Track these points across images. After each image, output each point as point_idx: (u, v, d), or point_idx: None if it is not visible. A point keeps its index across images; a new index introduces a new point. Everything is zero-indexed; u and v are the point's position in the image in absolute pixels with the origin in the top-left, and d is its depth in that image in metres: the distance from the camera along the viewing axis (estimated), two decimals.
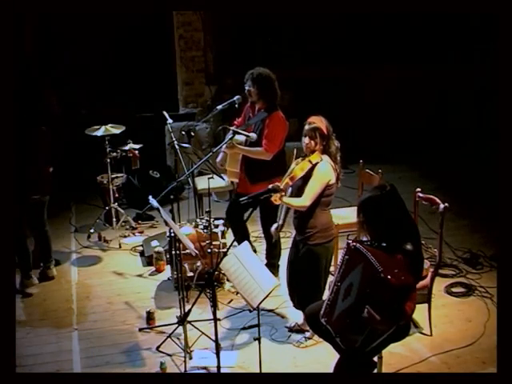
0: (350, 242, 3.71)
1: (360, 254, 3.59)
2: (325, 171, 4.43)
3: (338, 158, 4.53)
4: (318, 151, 4.48)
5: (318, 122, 4.48)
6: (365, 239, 3.85)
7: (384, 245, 3.66)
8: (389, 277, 3.42)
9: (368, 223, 3.76)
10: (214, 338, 4.00)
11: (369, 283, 3.52)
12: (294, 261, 4.72)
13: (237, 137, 5.21)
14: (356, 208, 3.84)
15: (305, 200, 4.44)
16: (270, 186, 4.40)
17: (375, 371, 3.92)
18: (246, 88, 5.27)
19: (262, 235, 5.74)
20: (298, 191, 4.49)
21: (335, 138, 4.53)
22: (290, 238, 6.24)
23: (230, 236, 5.74)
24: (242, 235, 5.35)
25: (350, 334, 3.63)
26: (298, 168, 4.47)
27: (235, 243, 4.39)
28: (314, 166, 4.43)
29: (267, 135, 5.18)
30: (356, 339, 3.60)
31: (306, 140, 4.49)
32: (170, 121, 6.03)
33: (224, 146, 5.25)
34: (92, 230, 6.71)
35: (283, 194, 4.40)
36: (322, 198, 4.47)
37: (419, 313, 4.86)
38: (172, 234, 5.05)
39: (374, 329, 3.56)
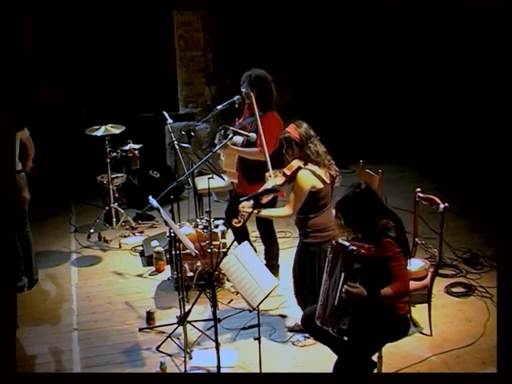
0: (333, 241, 3.84)
1: (340, 246, 3.71)
2: (303, 179, 4.43)
3: (322, 161, 4.48)
4: (300, 158, 4.49)
5: (292, 130, 4.51)
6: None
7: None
8: (357, 248, 3.59)
9: (349, 222, 3.84)
10: (214, 337, 4.00)
11: (346, 266, 3.65)
12: (295, 257, 4.75)
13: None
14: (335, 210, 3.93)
15: (286, 210, 4.50)
16: (270, 186, 4.41)
17: (375, 371, 3.92)
18: (243, 90, 5.25)
19: None
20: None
21: (317, 142, 4.50)
22: (290, 239, 6.28)
23: (230, 236, 5.74)
24: (241, 235, 5.34)
25: (339, 321, 3.69)
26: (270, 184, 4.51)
27: (235, 243, 4.39)
28: (296, 173, 4.44)
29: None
30: (344, 323, 3.65)
31: (283, 150, 4.56)
32: (169, 121, 6.03)
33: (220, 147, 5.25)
34: (92, 230, 6.71)
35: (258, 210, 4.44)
36: (313, 203, 4.47)
37: (419, 313, 4.87)
38: (172, 234, 5.05)
39: (357, 307, 3.62)
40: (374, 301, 3.62)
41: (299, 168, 4.46)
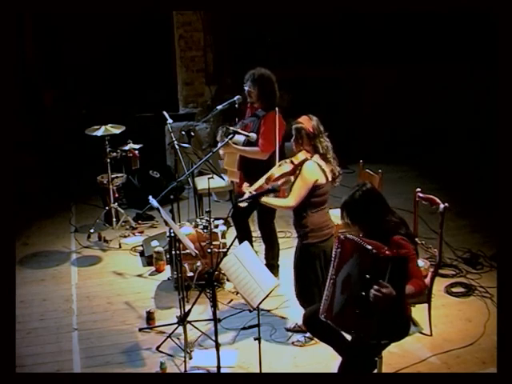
0: (340, 235, 3.75)
1: (351, 242, 3.62)
2: (309, 171, 4.41)
3: (330, 158, 4.49)
4: (307, 151, 4.48)
5: (305, 121, 4.49)
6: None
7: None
8: (382, 251, 3.45)
9: (356, 221, 3.79)
10: (214, 338, 4.00)
11: (367, 268, 3.51)
12: (294, 259, 4.73)
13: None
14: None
15: (289, 200, 4.46)
16: (270, 186, 4.40)
17: (375, 371, 3.92)
18: (246, 88, 5.25)
19: None
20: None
21: (326, 138, 4.51)
22: (290, 239, 6.27)
23: (230, 236, 5.74)
24: (244, 236, 5.33)
25: (362, 323, 3.57)
26: (276, 169, 4.50)
27: (236, 243, 4.39)
28: (301, 164, 4.43)
29: (263, 134, 5.17)
30: (370, 323, 3.53)
31: (292, 140, 4.53)
32: (170, 121, 6.03)
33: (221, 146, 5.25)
34: (92, 230, 6.71)
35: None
36: (313, 198, 4.45)
37: (419, 313, 4.87)
38: (172, 234, 5.05)
39: (384, 308, 3.50)
40: (401, 301, 3.54)
41: (306, 159, 4.45)
